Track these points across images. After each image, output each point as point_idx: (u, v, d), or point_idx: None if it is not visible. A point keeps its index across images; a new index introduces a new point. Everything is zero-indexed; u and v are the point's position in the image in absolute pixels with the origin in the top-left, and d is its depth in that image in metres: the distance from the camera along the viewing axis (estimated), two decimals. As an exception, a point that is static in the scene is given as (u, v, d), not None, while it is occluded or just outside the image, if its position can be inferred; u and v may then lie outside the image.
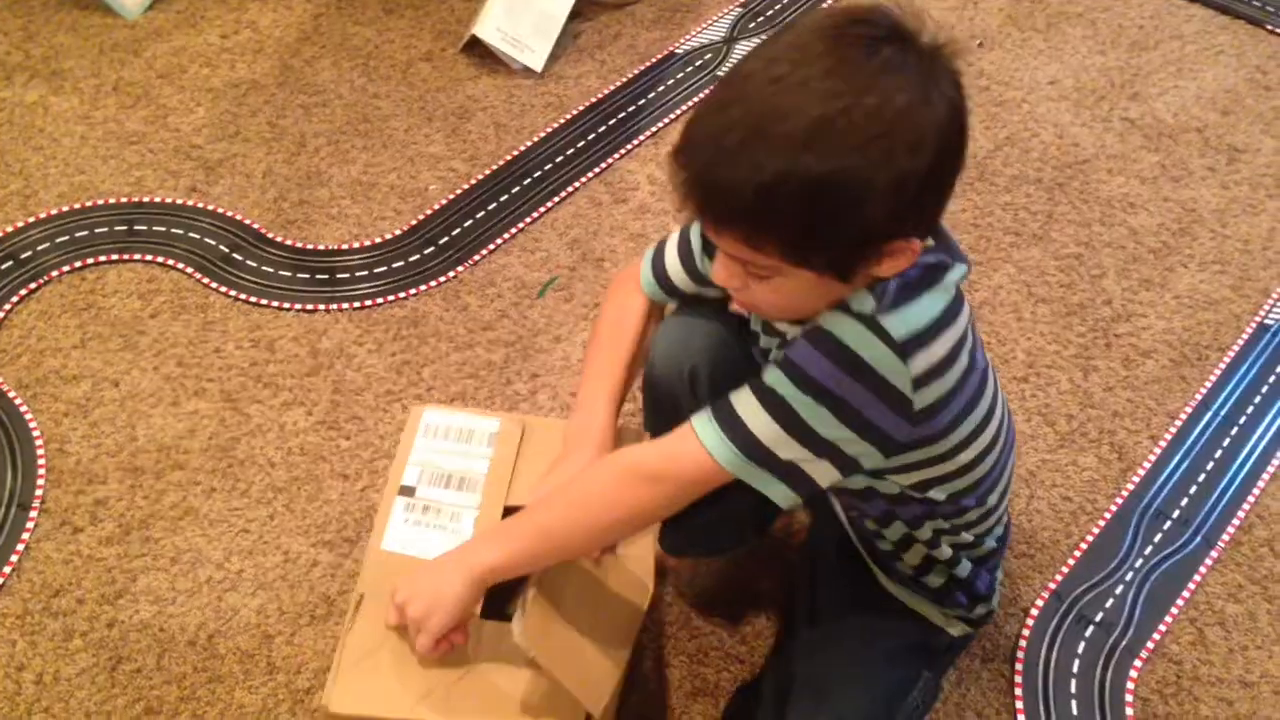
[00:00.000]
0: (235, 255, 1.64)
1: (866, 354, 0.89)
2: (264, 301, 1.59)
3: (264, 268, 1.63)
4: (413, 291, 1.62)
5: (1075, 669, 1.30)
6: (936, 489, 1.03)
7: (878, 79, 0.82)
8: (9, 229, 1.65)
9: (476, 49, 1.95)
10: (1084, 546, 1.41)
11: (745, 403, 0.92)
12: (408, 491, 1.10)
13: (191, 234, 1.67)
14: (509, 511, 1.09)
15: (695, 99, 1.92)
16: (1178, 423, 1.54)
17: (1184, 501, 1.46)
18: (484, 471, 1.12)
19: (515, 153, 1.82)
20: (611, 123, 1.87)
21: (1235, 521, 1.44)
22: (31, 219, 1.66)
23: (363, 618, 1.03)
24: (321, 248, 1.67)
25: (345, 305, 1.60)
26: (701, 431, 0.93)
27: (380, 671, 1.00)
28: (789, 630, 1.29)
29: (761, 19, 2.07)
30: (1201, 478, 1.48)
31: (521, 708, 1.00)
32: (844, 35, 0.83)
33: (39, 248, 1.63)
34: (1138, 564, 1.40)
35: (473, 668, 1.01)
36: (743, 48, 2.01)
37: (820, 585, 1.21)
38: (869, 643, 1.14)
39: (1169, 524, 1.44)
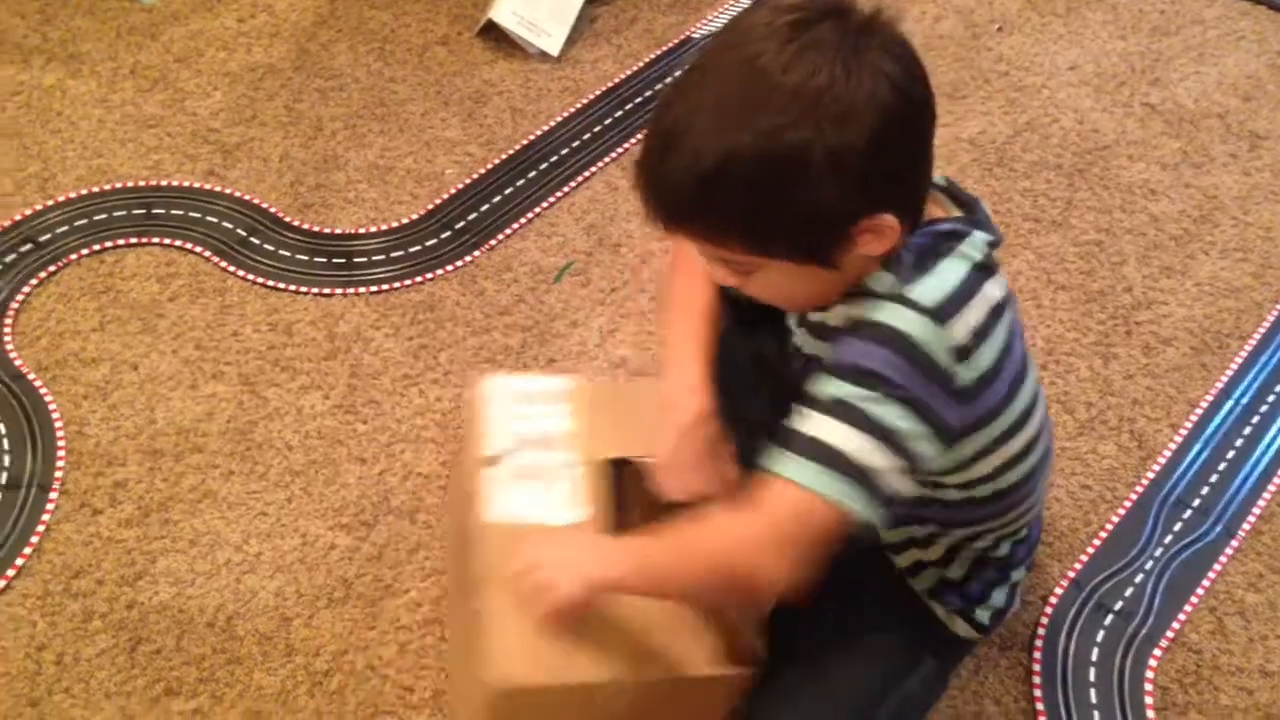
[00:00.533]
0: (253, 239, 1.64)
1: (904, 327, 0.87)
2: (281, 285, 1.59)
3: (281, 251, 1.63)
4: (429, 276, 1.62)
5: (1094, 657, 1.30)
6: (981, 486, 1.02)
7: (798, 60, 0.82)
8: (28, 212, 1.65)
9: (493, 33, 1.95)
10: (1103, 535, 1.40)
11: (814, 421, 0.88)
12: (494, 461, 1.07)
13: (209, 217, 1.67)
14: (618, 465, 1.07)
15: (713, 84, 1.91)
16: (1198, 411, 1.53)
17: (1204, 490, 1.45)
18: (568, 429, 1.10)
19: (532, 137, 1.81)
20: (628, 107, 1.87)
21: (1256, 510, 1.44)
22: (50, 202, 1.67)
23: (495, 592, 0.98)
24: (338, 231, 1.67)
25: (362, 289, 1.59)
26: (782, 469, 0.87)
27: (534, 640, 0.96)
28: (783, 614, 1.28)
29: (780, 3, 2.06)
30: (1222, 466, 1.48)
31: (696, 654, 0.98)
32: (773, 23, 0.84)
33: (58, 231, 1.63)
34: (1157, 553, 1.39)
35: (623, 620, 0.98)
36: (761, 32, 2.00)
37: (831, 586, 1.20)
38: (866, 621, 1.13)
39: (1189, 513, 1.43)
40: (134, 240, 1.63)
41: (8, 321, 1.52)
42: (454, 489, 1.20)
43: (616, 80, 1.91)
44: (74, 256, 1.60)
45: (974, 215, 0.95)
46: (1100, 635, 1.32)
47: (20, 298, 1.55)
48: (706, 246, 0.91)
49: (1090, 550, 1.39)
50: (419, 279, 1.61)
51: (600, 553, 0.99)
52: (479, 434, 1.09)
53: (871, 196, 0.86)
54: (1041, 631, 1.31)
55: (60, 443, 1.41)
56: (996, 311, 0.92)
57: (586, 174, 1.76)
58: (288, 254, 1.63)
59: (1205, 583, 1.36)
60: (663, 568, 0.95)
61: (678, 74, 0.90)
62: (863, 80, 0.83)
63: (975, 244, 0.93)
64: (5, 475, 1.38)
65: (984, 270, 0.92)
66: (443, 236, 1.67)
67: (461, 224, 1.69)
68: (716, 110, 0.84)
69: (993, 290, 0.92)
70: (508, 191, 1.73)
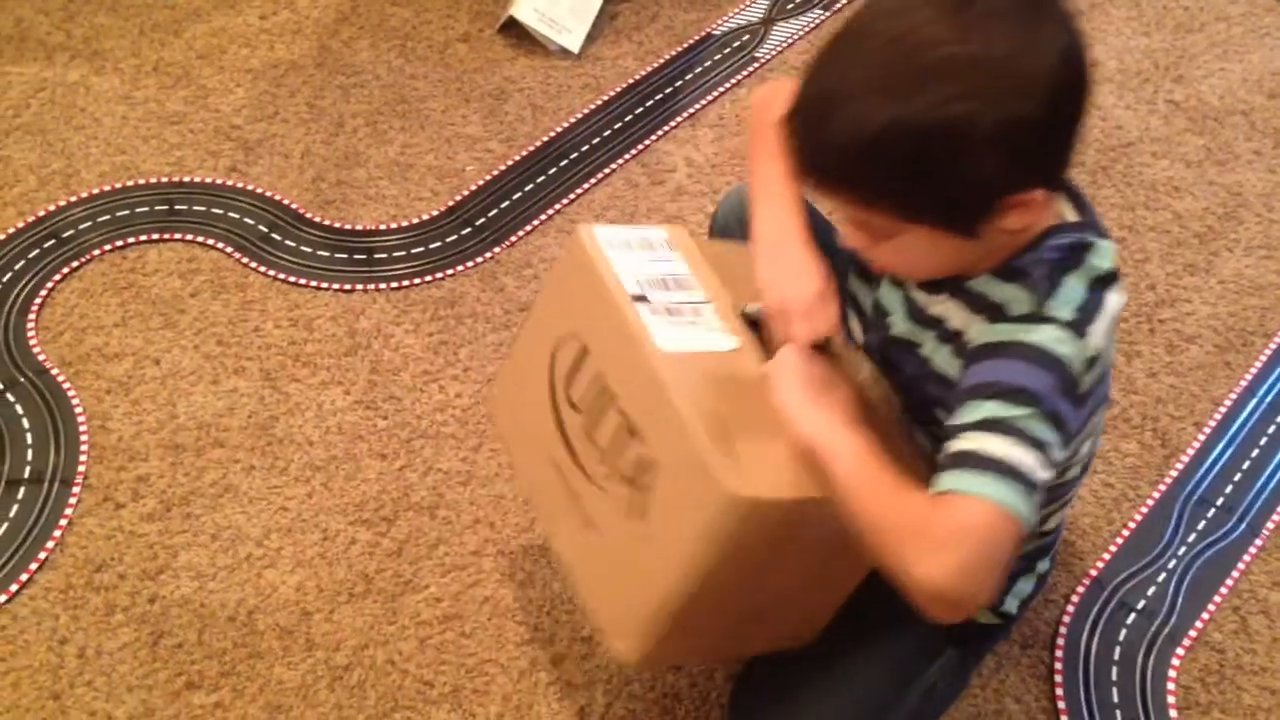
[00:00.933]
0: (274, 235, 1.65)
1: (1052, 345, 0.88)
2: (302, 281, 1.59)
3: (302, 247, 1.64)
4: (450, 272, 1.62)
5: (1116, 656, 1.29)
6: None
7: (978, 26, 0.80)
8: (51, 208, 1.66)
9: (513, 30, 1.95)
10: (1126, 533, 1.39)
11: (986, 440, 0.86)
12: (642, 300, 1.03)
13: (231, 214, 1.67)
14: (749, 321, 1.06)
15: (733, 80, 1.91)
16: (1222, 409, 1.52)
17: (1228, 489, 1.44)
18: (689, 272, 1.07)
19: (552, 134, 1.81)
20: (649, 104, 1.86)
21: (1280, 509, 1.43)
22: (73, 198, 1.68)
23: (694, 407, 0.96)
24: (359, 228, 1.67)
25: (383, 285, 1.60)
26: (970, 486, 0.85)
27: (760, 454, 0.94)
28: None
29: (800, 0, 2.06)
30: (1246, 465, 1.47)
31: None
32: None
33: (81, 226, 1.64)
34: (1180, 552, 1.38)
35: None
36: (780, 29, 2.00)
37: None
38: (888, 610, 1.13)
39: (1213, 511, 1.42)
40: (156, 236, 1.64)
41: (31, 316, 1.53)
42: (532, 361, 1.14)
43: (637, 77, 1.91)
44: (97, 252, 1.61)
45: (1090, 216, 0.95)
46: (1123, 634, 1.31)
47: (44, 293, 1.56)
48: (854, 208, 0.89)
49: (1113, 549, 1.38)
50: (439, 275, 1.61)
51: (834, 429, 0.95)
52: (609, 275, 1.04)
53: (1030, 170, 0.85)
54: (1063, 630, 1.30)
55: (83, 437, 1.42)
56: (1115, 322, 0.93)
57: (607, 170, 1.76)
58: (309, 250, 1.64)
59: (1229, 582, 1.36)
60: (865, 499, 0.90)
61: (837, 32, 0.87)
62: (1042, 53, 0.81)
63: (1103, 254, 0.93)
64: (28, 469, 1.39)
65: (1110, 279, 0.93)
66: (463, 233, 1.67)
67: (482, 220, 1.69)
68: (883, 75, 0.82)
69: (1114, 300, 0.93)
70: (528, 188, 1.73)
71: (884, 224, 0.89)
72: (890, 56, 0.82)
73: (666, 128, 1.83)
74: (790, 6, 2.05)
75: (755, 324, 1.07)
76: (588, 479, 1.06)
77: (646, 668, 1.15)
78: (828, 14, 2.03)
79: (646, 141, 1.81)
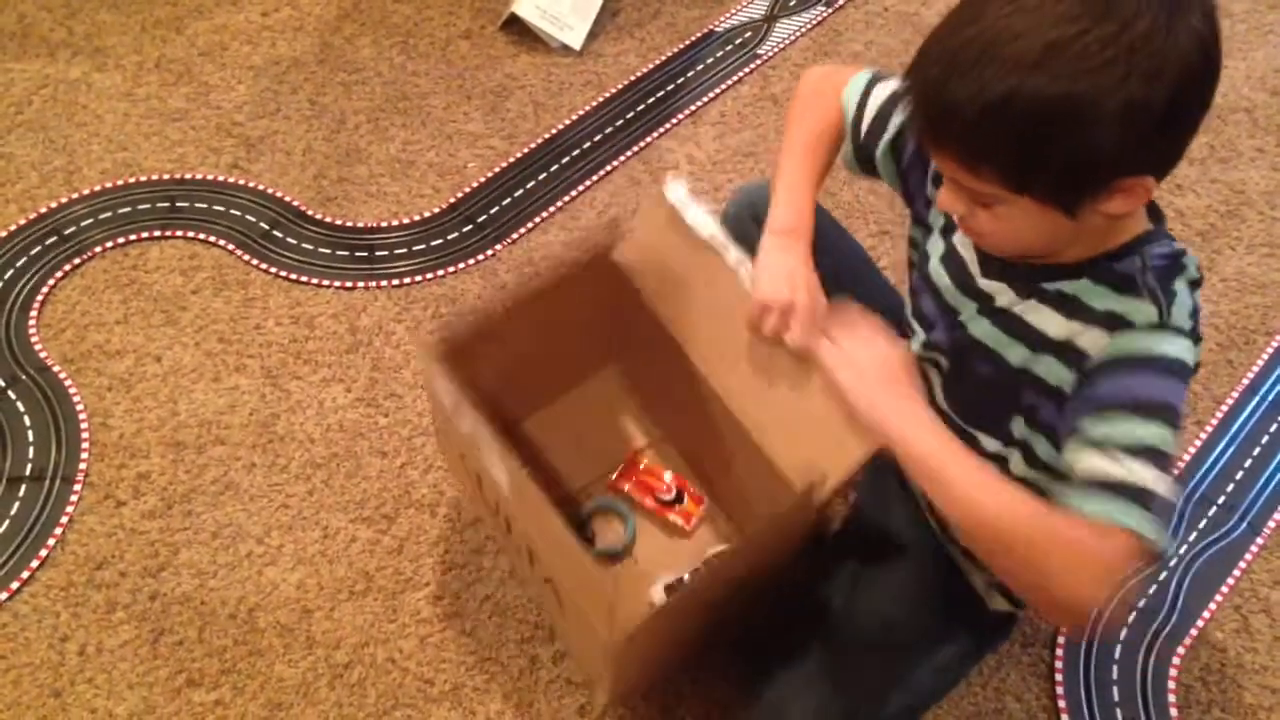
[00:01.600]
0: (276, 232, 1.65)
1: (1182, 355, 0.90)
2: (304, 278, 1.59)
3: (304, 245, 1.64)
4: (451, 269, 1.62)
5: (1117, 655, 1.29)
6: None
7: (1118, 5, 0.79)
8: (53, 204, 1.66)
9: (515, 27, 1.95)
10: (1127, 531, 1.39)
11: (1135, 468, 0.88)
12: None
13: (233, 211, 1.67)
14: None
15: (735, 77, 1.90)
16: (1224, 408, 1.51)
17: (1229, 487, 1.44)
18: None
19: (554, 131, 1.81)
20: (650, 101, 1.86)
21: (1282, 508, 1.42)
22: (75, 195, 1.68)
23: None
24: (361, 225, 1.67)
25: (384, 282, 1.60)
26: (1125, 519, 0.87)
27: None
28: (822, 577, 1.28)
29: (803, -3, 2.05)
30: (1248, 463, 1.46)
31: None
32: None
33: (83, 223, 1.64)
34: (1182, 550, 1.38)
35: None
36: (783, 26, 2.00)
37: (867, 538, 1.20)
38: (907, 595, 1.14)
39: (1214, 510, 1.42)
40: (158, 233, 1.64)
41: (33, 313, 1.53)
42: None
43: (639, 74, 1.90)
44: (99, 249, 1.61)
45: (1164, 223, 0.96)
46: (1123, 632, 1.31)
47: (45, 290, 1.56)
48: (961, 171, 0.88)
49: (1114, 547, 1.38)
50: (441, 272, 1.61)
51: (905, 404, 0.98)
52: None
53: (1145, 156, 0.85)
54: (1064, 628, 1.30)
55: (84, 434, 1.42)
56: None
57: (609, 168, 1.76)
58: (310, 247, 1.64)
59: (1230, 580, 1.35)
60: (962, 485, 0.92)
61: None
62: (1179, 38, 0.80)
63: (1192, 262, 0.94)
64: (30, 467, 1.39)
65: (1198, 286, 0.94)
66: (464, 230, 1.67)
67: (483, 218, 1.69)
68: (1015, 41, 0.80)
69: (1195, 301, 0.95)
70: (530, 185, 1.73)
71: (988, 189, 0.87)
72: (1024, 25, 0.80)
73: (668, 125, 1.82)
74: (792, 3, 2.04)
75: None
76: (527, 570, 1.21)
77: (624, 702, 1.23)
78: (830, 10, 2.02)
79: (648, 138, 1.80)
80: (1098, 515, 0.87)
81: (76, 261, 1.60)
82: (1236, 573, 1.36)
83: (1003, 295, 0.99)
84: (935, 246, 1.06)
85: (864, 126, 1.10)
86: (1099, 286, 0.93)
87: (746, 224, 1.21)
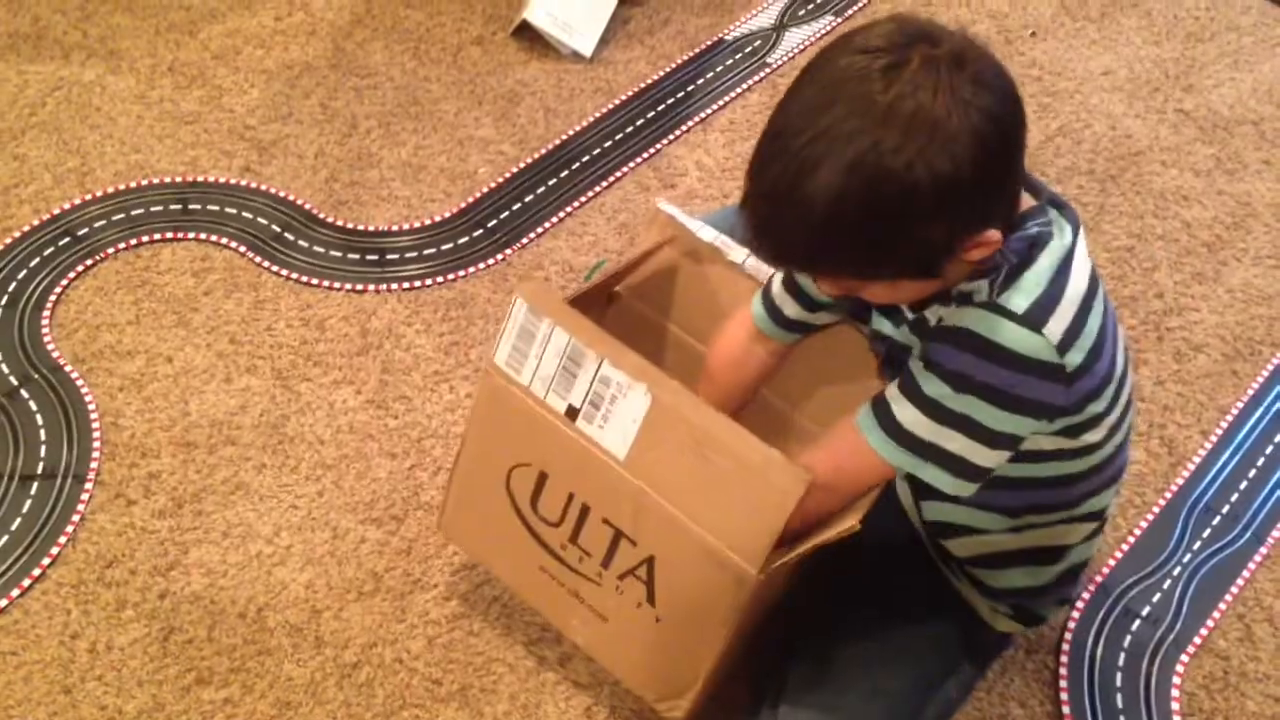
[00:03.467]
0: (287, 235, 1.66)
1: (1000, 337, 0.92)
2: (315, 281, 1.61)
3: (315, 248, 1.65)
4: (461, 273, 1.63)
5: (1121, 662, 1.30)
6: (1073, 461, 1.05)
7: (897, 107, 0.84)
8: (66, 206, 1.67)
9: (527, 33, 1.96)
10: (1132, 540, 1.40)
11: (905, 410, 0.97)
12: (574, 413, 1.07)
13: (244, 213, 1.69)
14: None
15: (745, 85, 1.91)
16: (1228, 418, 1.52)
17: (1234, 497, 1.45)
18: (569, 339, 1.07)
19: (564, 137, 1.82)
20: (660, 108, 1.87)
21: (1286, 518, 1.43)
22: (88, 196, 1.69)
23: (675, 498, 1.04)
24: (372, 229, 1.68)
25: (394, 286, 1.61)
26: (872, 440, 0.99)
27: (743, 513, 1.02)
28: (828, 608, 1.29)
29: (811, 5, 2.06)
30: (1252, 473, 1.47)
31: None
32: (865, 69, 0.86)
33: (96, 225, 1.65)
34: (1186, 559, 1.39)
35: None
36: (792, 35, 2.01)
37: (868, 566, 1.21)
38: (910, 628, 1.14)
39: (1218, 519, 1.42)
40: (170, 235, 1.65)
41: (46, 314, 1.55)
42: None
43: (649, 81, 1.92)
44: (111, 250, 1.62)
45: (1044, 207, 0.97)
46: (1127, 640, 1.31)
47: (58, 290, 1.57)
48: (820, 280, 0.98)
49: (1118, 555, 1.38)
50: (451, 276, 1.62)
51: None
52: (531, 406, 1.08)
53: (976, 218, 0.89)
54: (1068, 636, 1.31)
55: (95, 434, 1.43)
56: (1086, 302, 0.96)
57: (618, 174, 1.77)
58: (321, 250, 1.65)
59: (1233, 589, 1.36)
60: None
61: (768, 127, 0.91)
62: (962, 116, 0.85)
63: (1062, 238, 0.96)
64: (41, 465, 1.40)
65: (1068, 262, 0.95)
66: (475, 234, 1.68)
67: (493, 222, 1.70)
68: (821, 163, 0.85)
69: (1079, 281, 0.96)
70: (539, 190, 1.74)
71: (851, 283, 0.96)
72: (821, 152, 0.85)
73: (678, 132, 1.84)
74: (802, 13, 2.06)
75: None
76: (586, 579, 1.13)
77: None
78: (839, 20, 2.03)
79: (658, 145, 1.82)
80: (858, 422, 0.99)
81: (89, 262, 1.61)
82: (1240, 582, 1.37)
83: (907, 311, 1.04)
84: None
85: (774, 296, 1.16)
86: (971, 279, 0.97)
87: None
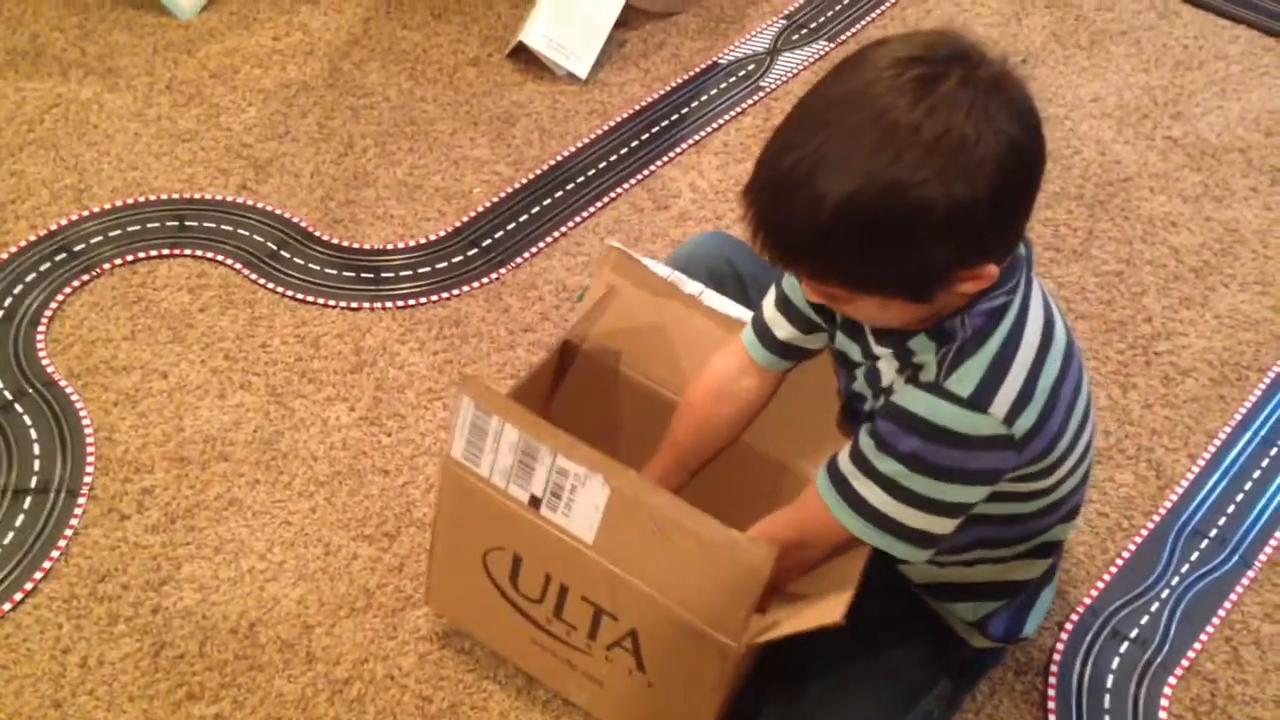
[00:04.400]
0: (283, 253, 1.67)
1: (945, 421, 0.93)
2: (310, 298, 1.61)
3: (310, 265, 1.66)
4: (455, 292, 1.64)
5: (1109, 684, 1.30)
6: (1027, 502, 1.06)
7: (931, 119, 0.82)
8: (63, 222, 1.68)
9: (522, 55, 1.98)
10: (1120, 563, 1.41)
11: (864, 486, 0.99)
12: (537, 502, 1.08)
13: (241, 231, 1.69)
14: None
15: (739, 109, 1.93)
16: (1216, 442, 1.53)
17: (1221, 520, 1.46)
18: (520, 434, 1.07)
19: (559, 158, 1.84)
20: (654, 130, 1.89)
21: (1273, 541, 1.44)
22: (85, 212, 1.70)
23: (649, 576, 1.06)
24: (367, 247, 1.69)
25: (389, 304, 1.62)
26: (835, 512, 1.01)
27: (714, 590, 1.03)
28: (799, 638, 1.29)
29: (805, 31, 2.08)
30: (1239, 497, 1.48)
31: None
32: (900, 76, 0.84)
33: (92, 241, 1.66)
34: (1174, 581, 1.39)
35: None
36: (785, 60, 2.03)
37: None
38: (884, 643, 1.14)
39: (1206, 542, 1.43)
40: (166, 251, 1.66)
41: (41, 329, 1.55)
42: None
43: (643, 103, 1.93)
44: (107, 266, 1.63)
45: (1019, 269, 0.97)
46: (1115, 662, 1.32)
47: (54, 306, 1.58)
48: (810, 281, 0.94)
49: (1106, 578, 1.39)
50: (445, 295, 1.63)
51: None
52: (494, 498, 1.09)
53: (981, 250, 0.88)
54: (1057, 657, 1.32)
55: (90, 449, 1.43)
56: (1038, 359, 0.95)
57: (612, 195, 1.78)
58: (317, 268, 1.65)
59: (1221, 612, 1.37)
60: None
61: (793, 113, 0.89)
62: (990, 142, 0.83)
63: (1023, 318, 0.96)
64: (35, 480, 1.40)
65: (1020, 323, 0.95)
66: (469, 254, 1.69)
67: (488, 241, 1.71)
68: (841, 161, 0.84)
69: (1031, 339, 0.95)
70: (534, 210, 1.76)
71: (842, 294, 0.93)
72: (854, 142, 0.84)
73: (672, 153, 1.85)
74: (795, 38, 2.08)
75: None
76: (576, 649, 1.15)
77: None
78: (832, 45, 2.05)
79: (652, 167, 1.83)
80: (826, 500, 1.01)
81: (85, 278, 1.61)
82: (1228, 605, 1.38)
83: (871, 340, 1.03)
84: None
85: (768, 319, 1.15)
86: (925, 337, 0.96)
87: (696, 269, 1.28)
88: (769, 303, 1.14)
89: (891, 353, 0.99)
